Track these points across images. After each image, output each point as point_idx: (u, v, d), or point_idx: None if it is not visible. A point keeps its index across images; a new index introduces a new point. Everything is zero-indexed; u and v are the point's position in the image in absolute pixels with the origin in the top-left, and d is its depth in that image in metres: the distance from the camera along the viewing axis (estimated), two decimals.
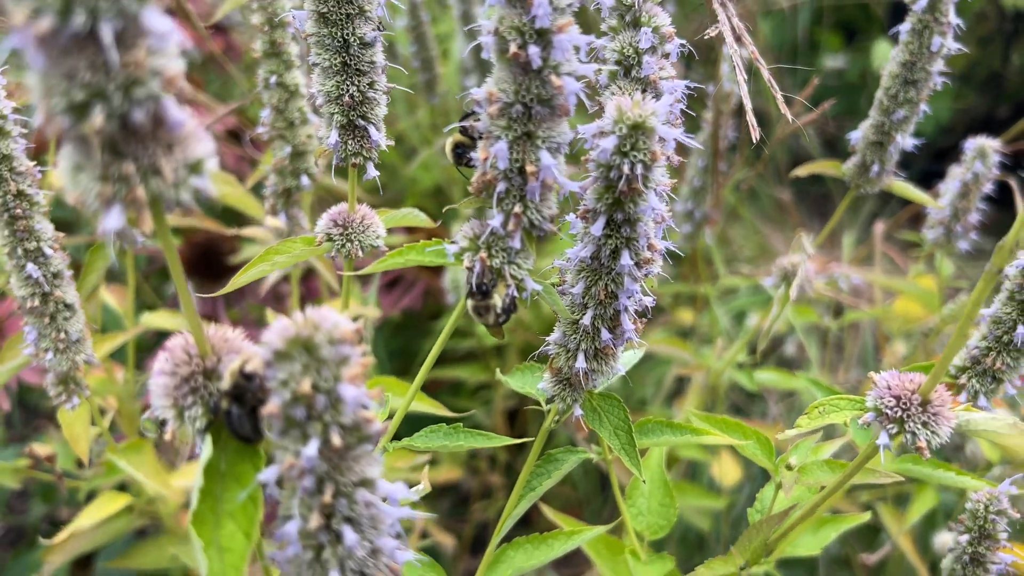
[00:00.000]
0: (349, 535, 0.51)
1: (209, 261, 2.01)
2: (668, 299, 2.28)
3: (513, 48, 0.61)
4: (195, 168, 0.46)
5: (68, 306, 1.08)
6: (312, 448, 0.48)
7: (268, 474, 0.51)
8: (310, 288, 2.03)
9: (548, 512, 1.15)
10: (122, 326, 1.55)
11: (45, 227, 1.03)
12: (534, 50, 0.60)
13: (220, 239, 1.99)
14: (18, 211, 1.00)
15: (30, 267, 1.02)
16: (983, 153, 1.57)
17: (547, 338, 0.81)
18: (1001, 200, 1.67)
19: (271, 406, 0.48)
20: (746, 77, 0.79)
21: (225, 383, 0.54)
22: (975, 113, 3.76)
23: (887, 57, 3.59)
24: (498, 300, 0.72)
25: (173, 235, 1.40)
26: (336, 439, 0.49)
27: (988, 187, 1.61)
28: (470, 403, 2.20)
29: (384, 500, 0.53)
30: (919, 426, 0.70)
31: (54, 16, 0.40)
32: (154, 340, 1.97)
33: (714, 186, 1.83)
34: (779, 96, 0.79)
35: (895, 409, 0.71)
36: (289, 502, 0.52)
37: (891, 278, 1.94)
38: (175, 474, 1.46)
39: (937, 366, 0.69)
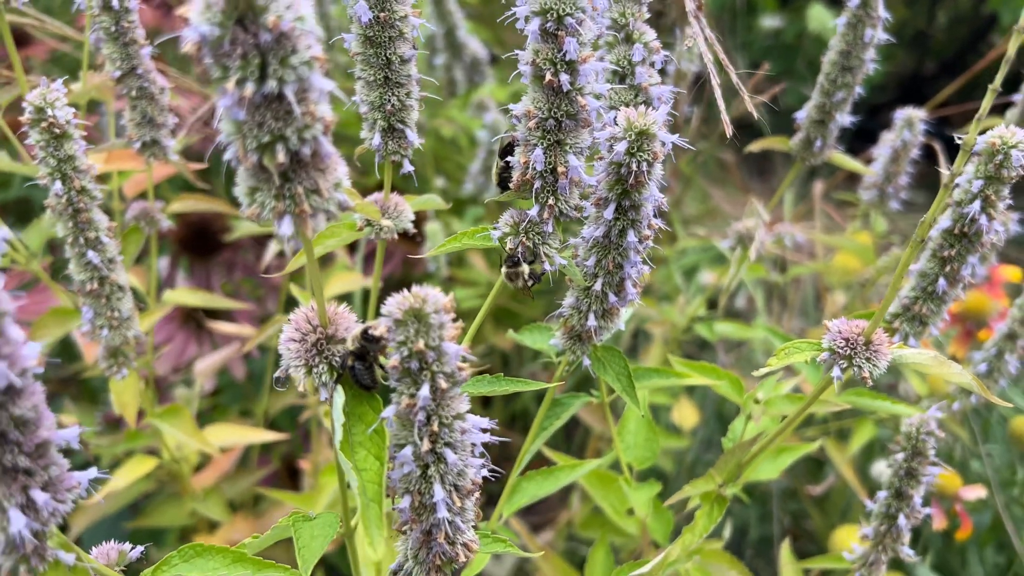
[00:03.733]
0: (450, 456, 0.68)
1: (202, 238, 2.13)
2: None
3: (548, 76, 0.77)
4: (338, 186, 0.61)
5: (121, 287, 1.21)
6: (426, 390, 0.65)
7: (388, 412, 0.67)
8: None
9: (547, 452, 1.32)
10: (144, 301, 1.67)
11: (101, 218, 1.16)
12: (564, 77, 0.77)
13: (212, 217, 2.11)
14: (80, 205, 1.12)
15: (91, 254, 1.15)
16: (910, 123, 1.78)
17: (561, 303, 0.98)
18: (931, 156, 1.87)
19: (393, 360, 0.65)
20: (719, 81, 0.96)
21: (350, 344, 0.70)
22: (904, 71, 4.00)
23: (821, 19, 3.71)
24: (526, 269, 0.89)
25: (172, 220, 1.52)
26: (442, 383, 0.65)
27: (915, 152, 1.82)
28: None
29: (470, 429, 0.70)
30: (864, 361, 0.89)
31: (254, 83, 0.55)
32: None
33: (671, 158, 2.00)
34: (746, 96, 0.97)
35: (845, 348, 0.90)
36: (401, 432, 0.69)
37: (831, 235, 2.15)
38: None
39: (876, 314, 0.88)
